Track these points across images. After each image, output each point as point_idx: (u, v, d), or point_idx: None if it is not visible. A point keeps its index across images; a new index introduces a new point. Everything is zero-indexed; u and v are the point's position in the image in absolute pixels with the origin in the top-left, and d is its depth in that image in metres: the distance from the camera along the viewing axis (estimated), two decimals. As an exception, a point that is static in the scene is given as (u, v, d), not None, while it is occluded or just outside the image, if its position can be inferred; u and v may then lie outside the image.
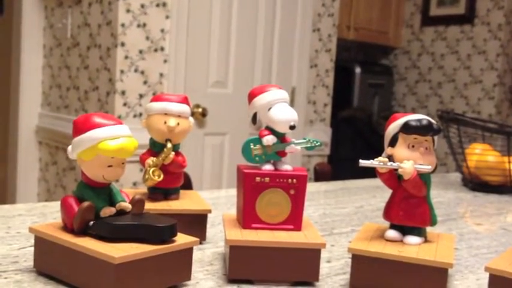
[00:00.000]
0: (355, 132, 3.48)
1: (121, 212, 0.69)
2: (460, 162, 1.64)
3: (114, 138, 0.66)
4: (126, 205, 0.69)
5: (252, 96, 0.80)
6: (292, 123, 0.76)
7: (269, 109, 0.77)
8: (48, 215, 1.02)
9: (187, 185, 1.47)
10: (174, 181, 0.90)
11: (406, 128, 0.74)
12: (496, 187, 1.57)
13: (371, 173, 0.78)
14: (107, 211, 0.67)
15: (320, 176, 1.80)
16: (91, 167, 0.67)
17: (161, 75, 2.40)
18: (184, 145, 2.48)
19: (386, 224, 0.79)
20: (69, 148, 0.69)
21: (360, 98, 3.66)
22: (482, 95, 3.54)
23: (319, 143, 0.78)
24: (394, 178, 0.76)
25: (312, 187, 1.52)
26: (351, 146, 3.40)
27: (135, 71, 2.33)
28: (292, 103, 2.89)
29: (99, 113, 0.69)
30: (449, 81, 3.70)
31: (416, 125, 0.74)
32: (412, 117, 0.75)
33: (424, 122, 0.74)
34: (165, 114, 0.87)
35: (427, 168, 0.73)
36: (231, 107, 2.67)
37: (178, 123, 0.87)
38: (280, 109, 0.77)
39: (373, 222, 0.88)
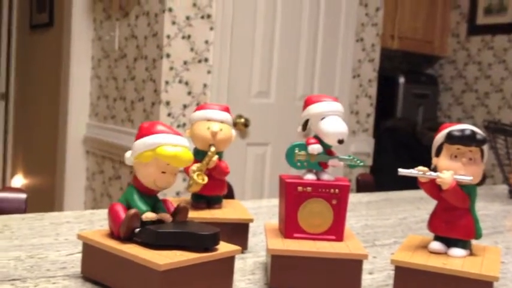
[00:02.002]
0: (398, 143, 3.44)
1: (162, 221, 0.71)
2: (507, 174, 1.60)
3: (172, 146, 0.69)
4: (167, 217, 0.71)
5: (308, 103, 0.81)
6: (341, 138, 0.76)
7: (322, 119, 0.78)
8: (95, 222, 1.05)
9: (230, 194, 1.49)
10: (217, 188, 0.92)
11: (449, 138, 0.73)
12: (546, 200, 1.52)
13: (414, 184, 0.78)
14: (149, 216, 0.69)
15: (362, 186, 1.79)
16: (146, 171, 0.69)
17: (205, 85, 2.44)
18: (227, 155, 2.51)
19: (431, 236, 0.78)
20: (127, 153, 0.72)
21: (403, 108, 3.61)
22: (531, 105, 3.45)
23: (362, 164, 0.78)
24: (435, 188, 0.75)
25: (354, 198, 1.51)
26: (394, 157, 3.36)
27: (180, 81, 2.37)
28: (334, 113, 2.87)
29: (164, 123, 0.72)
30: (497, 91, 3.61)
31: (458, 135, 0.73)
32: (456, 128, 0.74)
33: (467, 132, 0.73)
34: (208, 120, 0.89)
35: (467, 179, 0.72)
36: (273, 117, 2.68)
37: (221, 129, 0.88)
38: (332, 121, 0.77)
39: (417, 234, 0.87)
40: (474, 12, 3.69)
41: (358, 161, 0.77)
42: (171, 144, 0.69)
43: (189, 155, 0.70)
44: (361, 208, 1.38)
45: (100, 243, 0.69)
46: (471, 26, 3.73)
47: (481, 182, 0.74)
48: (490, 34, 3.64)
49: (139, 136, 0.71)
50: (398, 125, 3.52)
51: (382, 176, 2.69)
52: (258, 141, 2.67)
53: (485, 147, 0.74)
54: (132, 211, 0.68)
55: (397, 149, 3.43)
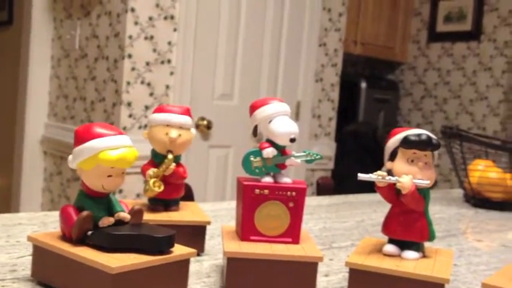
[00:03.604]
0: (359, 147, 3.48)
1: (120, 223, 0.69)
2: (463, 178, 1.64)
3: (114, 149, 0.67)
4: (125, 215, 0.69)
5: (253, 108, 0.81)
6: (292, 136, 0.76)
7: (270, 122, 0.78)
8: (48, 225, 1.02)
9: (189, 196, 1.48)
10: (174, 192, 0.91)
11: (406, 143, 0.74)
12: (498, 204, 1.56)
13: (374, 187, 0.79)
14: (106, 221, 0.68)
15: (322, 190, 1.80)
16: (91, 177, 0.68)
17: (167, 87, 2.42)
18: (189, 157, 2.50)
19: (386, 238, 0.79)
20: (70, 157, 0.70)
21: (365, 112, 3.67)
22: (487, 112, 3.54)
23: (319, 156, 0.78)
24: (392, 192, 0.76)
25: (313, 201, 1.52)
26: (356, 161, 3.40)
27: (142, 82, 2.35)
28: (297, 117, 2.90)
29: (101, 123, 0.70)
30: (455, 97, 3.70)
31: (415, 139, 0.74)
32: (412, 132, 0.75)
33: (423, 137, 0.74)
34: (167, 125, 0.87)
35: (425, 183, 0.73)
36: (236, 119, 2.68)
37: (179, 135, 0.87)
38: (280, 122, 0.77)
39: (372, 237, 0.88)
40: (434, 19, 3.78)
41: (315, 155, 0.78)
42: (112, 148, 0.67)
43: (134, 154, 0.68)
44: (321, 211, 1.39)
45: (51, 246, 0.67)
46: (431, 33, 3.81)
47: (433, 186, 0.76)
48: (450, 41, 3.72)
49: (77, 143, 0.68)
50: (360, 129, 3.56)
51: (343, 180, 2.71)
52: (220, 144, 2.66)
53: (436, 152, 0.76)
54: (85, 213, 0.66)
55: (358, 153, 3.48)
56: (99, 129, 0.68)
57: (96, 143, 0.67)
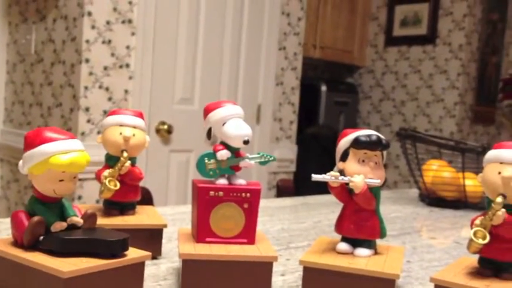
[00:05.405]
0: (321, 150, 3.52)
1: (73, 227, 0.69)
2: (418, 178, 1.68)
3: (65, 153, 0.66)
4: (78, 220, 0.69)
5: (206, 111, 0.81)
6: (246, 138, 0.77)
7: (223, 124, 0.78)
8: (2, 232, 1.01)
9: (148, 200, 1.47)
10: (130, 194, 0.90)
11: (357, 143, 0.76)
12: (451, 202, 1.61)
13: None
14: (58, 226, 0.67)
15: (283, 191, 1.82)
16: (42, 182, 0.67)
17: (126, 91, 2.40)
18: (150, 162, 2.48)
19: (340, 237, 0.80)
20: (20, 163, 0.69)
21: (325, 115, 3.71)
22: (443, 114, 3.63)
23: (272, 158, 0.79)
24: (345, 192, 0.78)
25: (273, 203, 1.54)
26: (317, 163, 3.43)
27: (100, 87, 2.32)
28: (258, 120, 2.91)
29: (51, 128, 0.69)
30: (412, 100, 3.78)
31: (366, 140, 0.76)
32: (362, 133, 0.77)
33: (374, 138, 0.76)
34: (120, 125, 0.87)
35: (376, 182, 0.75)
36: (196, 124, 2.67)
37: (133, 134, 0.87)
38: (234, 124, 0.78)
39: (328, 236, 0.90)
40: (391, 24, 3.85)
41: (268, 156, 0.79)
42: (63, 152, 0.66)
43: (86, 158, 0.67)
44: (279, 212, 1.40)
45: (2, 252, 0.66)
46: (388, 38, 3.88)
47: (383, 184, 0.78)
48: (406, 45, 3.80)
49: (27, 148, 0.67)
50: (321, 132, 3.60)
51: (305, 182, 2.74)
52: (181, 148, 2.66)
53: (385, 152, 0.78)
54: (36, 218, 0.65)
55: (319, 156, 3.51)
56: (49, 134, 0.67)
57: (47, 147, 0.66)
